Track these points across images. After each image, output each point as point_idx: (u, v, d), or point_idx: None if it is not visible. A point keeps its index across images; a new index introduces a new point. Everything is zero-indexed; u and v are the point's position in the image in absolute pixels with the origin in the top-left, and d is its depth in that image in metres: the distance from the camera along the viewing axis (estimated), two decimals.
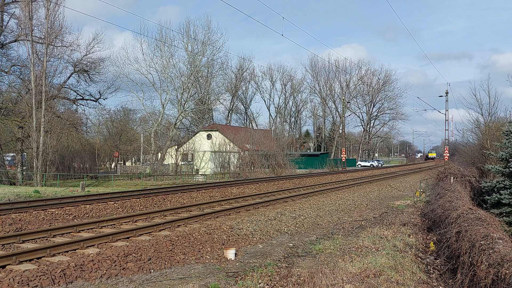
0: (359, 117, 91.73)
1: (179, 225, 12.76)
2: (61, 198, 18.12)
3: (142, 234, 11.43)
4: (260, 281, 8.33)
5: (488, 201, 19.66)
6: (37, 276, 7.75)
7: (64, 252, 9.36)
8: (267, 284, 8.18)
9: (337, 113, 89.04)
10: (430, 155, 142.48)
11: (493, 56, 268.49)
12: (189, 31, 48.83)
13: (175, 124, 48.54)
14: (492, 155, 22.72)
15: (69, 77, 39.96)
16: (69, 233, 11.67)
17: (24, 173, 34.05)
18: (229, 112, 78.80)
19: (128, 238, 10.96)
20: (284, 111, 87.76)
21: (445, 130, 51.84)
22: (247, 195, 21.12)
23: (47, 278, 7.79)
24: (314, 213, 17.29)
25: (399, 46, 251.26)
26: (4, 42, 34.43)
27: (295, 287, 7.91)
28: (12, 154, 43.28)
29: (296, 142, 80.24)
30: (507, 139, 19.94)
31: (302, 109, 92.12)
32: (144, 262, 9.20)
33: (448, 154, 52.09)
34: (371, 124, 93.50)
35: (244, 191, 25.00)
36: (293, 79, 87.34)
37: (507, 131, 20.25)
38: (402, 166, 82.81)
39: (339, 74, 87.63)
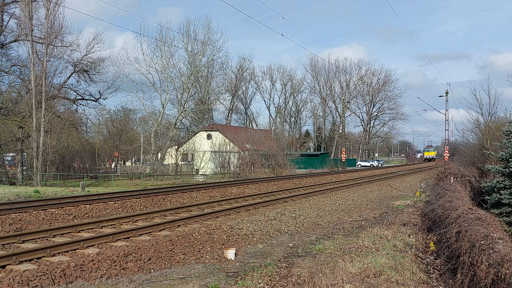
0: (359, 117, 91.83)
1: (179, 225, 12.76)
2: (61, 198, 18.12)
3: (142, 234, 11.43)
4: (260, 281, 8.33)
5: (488, 201, 19.67)
6: (37, 276, 7.75)
7: (64, 252, 9.36)
8: (267, 284, 8.17)
9: (337, 113, 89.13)
10: (426, 154, 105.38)
11: (492, 57, 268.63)
12: (189, 31, 48.84)
13: (175, 124, 48.53)
14: (492, 155, 22.72)
15: (69, 77, 40.01)
16: (69, 233, 11.67)
17: (24, 173, 34.05)
18: (229, 112, 78.83)
19: (128, 238, 10.96)
20: (284, 111, 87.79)
21: (445, 130, 51.80)
22: (247, 195, 21.12)
23: (47, 278, 7.79)
24: (314, 213, 17.29)
25: (398, 47, 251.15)
26: (4, 42, 34.43)
27: (295, 287, 7.91)
28: (12, 154, 43.32)
29: (296, 142, 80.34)
30: (507, 139, 19.94)
31: (302, 109, 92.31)
32: (144, 262, 9.20)
33: (448, 154, 52.03)
34: (371, 124, 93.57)
35: (244, 191, 25.00)
36: (293, 79, 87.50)
37: (507, 131, 20.25)
38: (402, 166, 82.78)
39: (339, 74, 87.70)
